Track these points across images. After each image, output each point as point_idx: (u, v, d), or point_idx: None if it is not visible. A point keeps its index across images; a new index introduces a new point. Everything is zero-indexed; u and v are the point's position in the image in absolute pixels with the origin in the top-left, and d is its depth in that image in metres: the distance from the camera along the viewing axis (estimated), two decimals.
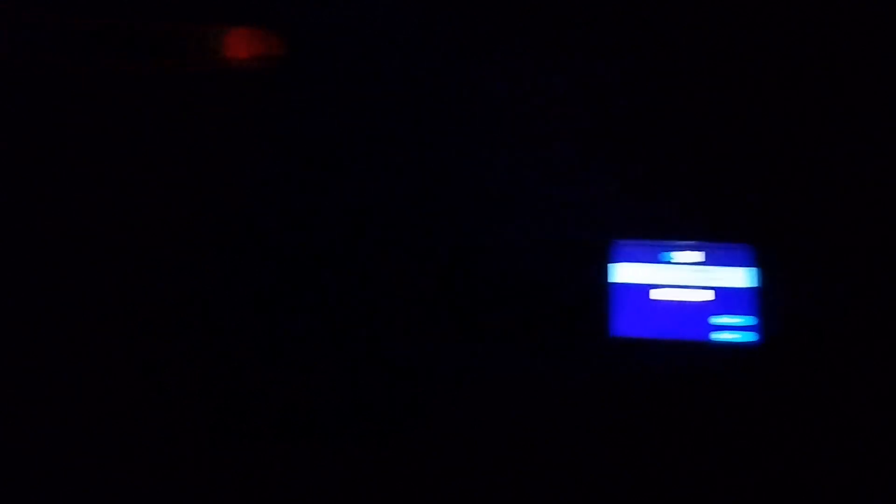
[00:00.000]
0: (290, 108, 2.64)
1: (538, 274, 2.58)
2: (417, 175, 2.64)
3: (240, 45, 2.64)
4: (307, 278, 2.59)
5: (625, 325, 2.52)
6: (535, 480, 2.40)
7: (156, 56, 2.57)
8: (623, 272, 2.54)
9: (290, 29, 2.62)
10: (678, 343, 2.49)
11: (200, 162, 2.60)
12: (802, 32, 2.50)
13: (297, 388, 2.53)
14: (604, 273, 2.54)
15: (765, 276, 2.48)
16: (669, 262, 2.52)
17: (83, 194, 2.59)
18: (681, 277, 2.51)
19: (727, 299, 2.49)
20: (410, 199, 2.64)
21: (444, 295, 2.60)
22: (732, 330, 2.47)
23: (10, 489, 2.40)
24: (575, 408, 2.48)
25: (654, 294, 2.52)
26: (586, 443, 2.44)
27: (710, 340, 2.48)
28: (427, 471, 2.40)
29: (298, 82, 2.64)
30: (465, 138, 2.64)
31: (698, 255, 2.52)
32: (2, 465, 2.44)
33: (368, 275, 2.60)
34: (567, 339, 2.53)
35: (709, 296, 2.50)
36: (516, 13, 2.59)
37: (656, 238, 2.54)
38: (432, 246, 2.63)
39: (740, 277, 2.49)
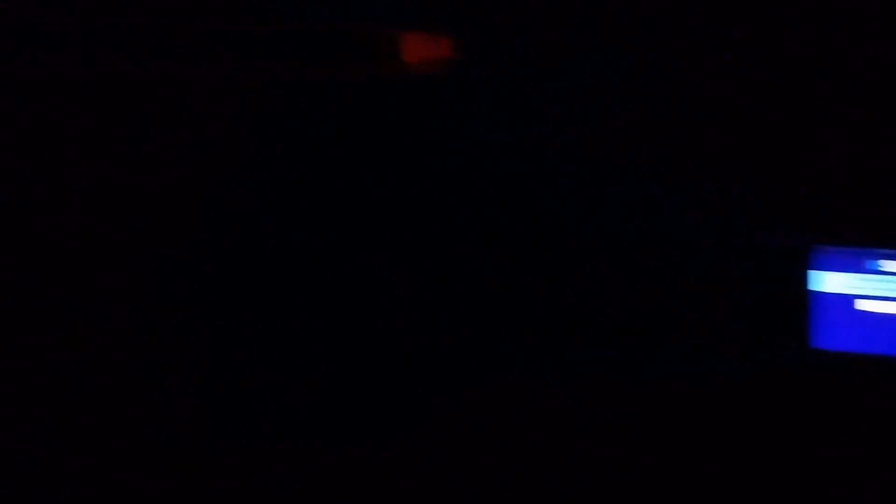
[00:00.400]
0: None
1: (738, 279, 2.55)
2: (602, 172, 2.64)
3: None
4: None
5: (828, 337, 2.43)
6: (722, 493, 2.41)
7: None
8: (826, 281, 2.44)
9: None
10: (887, 359, 2.36)
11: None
12: None
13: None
14: (805, 281, 2.46)
15: None
16: (877, 272, 2.38)
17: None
18: (890, 288, 2.37)
19: None
20: (591, 196, 2.63)
21: (631, 294, 2.62)
22: None
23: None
24: (774, 419, 2.45)
25: (860, 305, 2.40)
26: (790, 457, 2.38)
27: None
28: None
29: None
30: (662, 134, 2.61)
31: None
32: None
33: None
34: (766, 349, 2.49)
35: None
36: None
37: (862, 245, 2.40)
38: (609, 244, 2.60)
39: None
